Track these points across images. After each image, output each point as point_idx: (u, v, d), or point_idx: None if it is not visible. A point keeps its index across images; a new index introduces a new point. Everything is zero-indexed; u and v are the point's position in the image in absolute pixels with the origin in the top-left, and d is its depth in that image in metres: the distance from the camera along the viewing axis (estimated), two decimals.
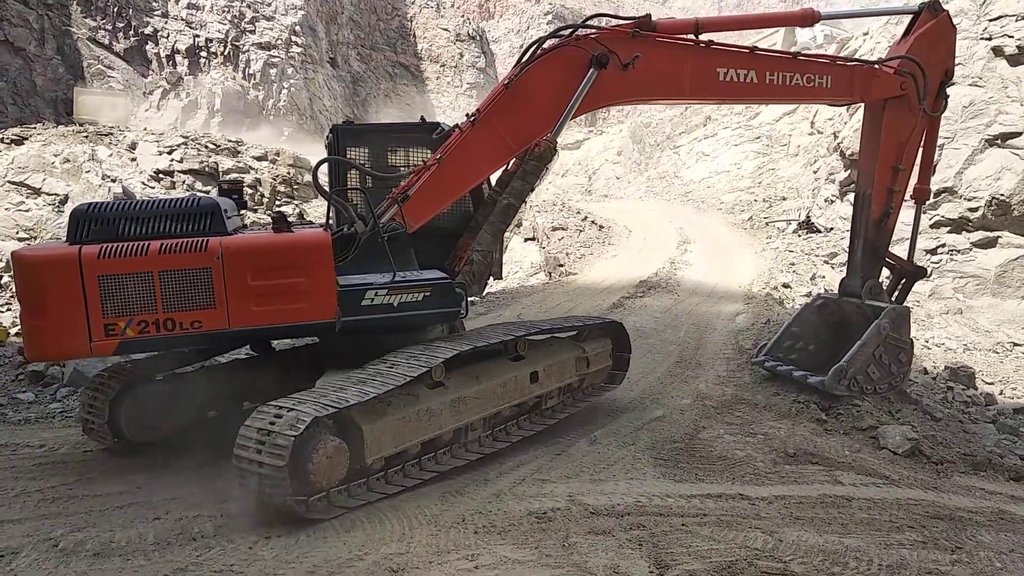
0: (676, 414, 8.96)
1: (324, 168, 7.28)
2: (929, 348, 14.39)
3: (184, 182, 23.21)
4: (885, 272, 9.77)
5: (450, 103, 46.13)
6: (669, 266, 17.92)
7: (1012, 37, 19.85)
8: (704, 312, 13.73)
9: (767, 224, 22.60)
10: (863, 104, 9.07)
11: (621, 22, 7.66)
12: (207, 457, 6.73)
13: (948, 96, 9.04)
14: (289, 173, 24.64)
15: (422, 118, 8.21)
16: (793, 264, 18.05)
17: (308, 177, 25.20)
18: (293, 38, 37.03)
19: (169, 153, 23.78)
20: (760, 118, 31.38)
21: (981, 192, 18.10)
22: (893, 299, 9.48)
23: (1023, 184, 17.75)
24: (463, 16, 50.99)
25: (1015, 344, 14.94)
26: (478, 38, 48.67)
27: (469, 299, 7.51)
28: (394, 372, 6.29)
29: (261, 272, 6.16)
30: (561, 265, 18.59)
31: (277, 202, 23.96)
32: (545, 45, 7.43)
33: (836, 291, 9.85)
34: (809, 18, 8.48)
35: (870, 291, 9.28)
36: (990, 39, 20.29)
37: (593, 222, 21.52)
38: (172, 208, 6.22)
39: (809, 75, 8.26)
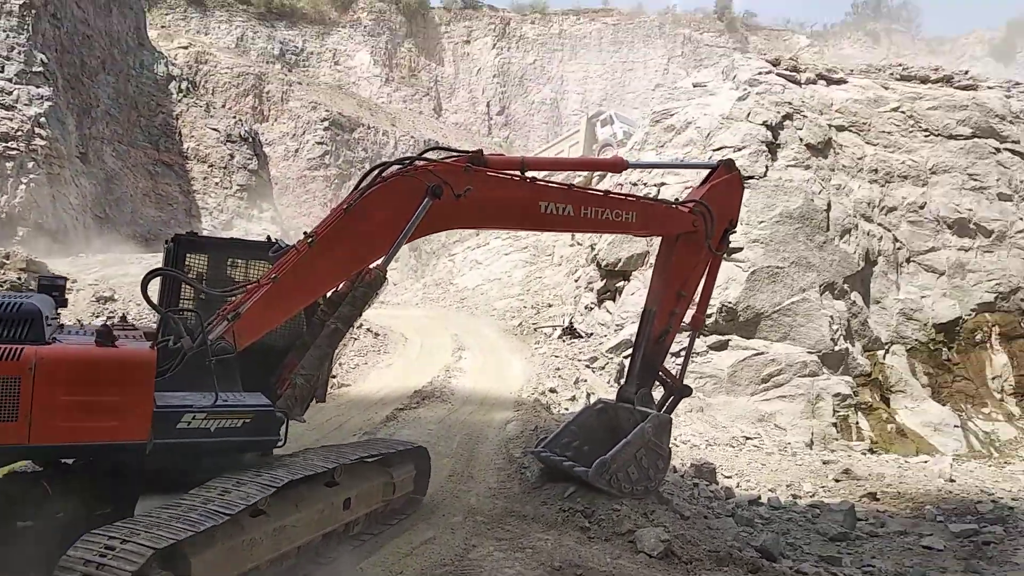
0: (447, 534, 8.80)
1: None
2: (677, 446, 15.64)
3: None
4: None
5: (217, 204, 44.16)
6: (444, 374, 18.07)
7: None
8: (476, 421, 13.90)
9: (535, 330, 23.77)
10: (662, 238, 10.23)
11: (454, 156, 8.26)
12: None
13: (731, 242, 10.36)
14: (20, 279, 21.80)
15: (268, 238, 8.32)
16: (559, 369, 19.01)
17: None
18: (37, 130, 33.68)
19: None
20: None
21: (713, 300, 20.50)
22: (661, 411, 10.26)
23: (747, 293, 20.42)
24: (235, 117, 49.78)
25: (747, 438, 16.73)
26: (251, 140, 47.56)
27: (297, 419, 7.51)
28: (226, 501, 6.04)
29: (75, 386, 5.91)
30: (333, 376, 18.02)
31: None
32: (384, 173, 7.73)
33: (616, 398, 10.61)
34: (619, 165, 9.86)
35: (641, 398, 10.03)
36: None
37: (368, 329, 21.28)
38: None
39: (618, 211, 9.18)
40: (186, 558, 5.56)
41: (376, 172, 7.93)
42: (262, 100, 56.62)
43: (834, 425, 17.81)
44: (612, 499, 9.63)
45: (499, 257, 31.48)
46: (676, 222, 9.74)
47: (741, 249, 21.26)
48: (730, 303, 20.15)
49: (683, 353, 10.85)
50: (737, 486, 13.47)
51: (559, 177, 20.44)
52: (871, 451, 17.21)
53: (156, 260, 29.66)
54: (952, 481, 15.00)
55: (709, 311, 20.41)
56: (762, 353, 19.20)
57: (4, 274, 21.54)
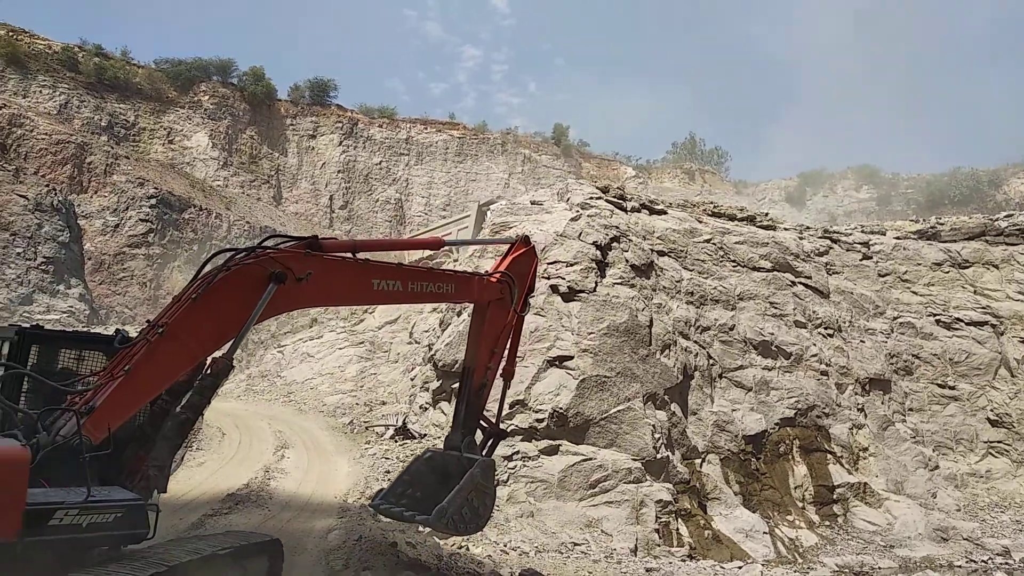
0: None
1: None
2: (507, 553, 15.37)
3: None
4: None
5: (17, 276, 39.74)
6: (263, 475, 16.81)
7: (564, 279, 24.34)
8: (296, 530, 12.93)
9: (367, 428, 22.94)
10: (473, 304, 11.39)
11: (292, 242, 8.73)
12: None
13: (531, 304, 11.90)
14: None
15: (116, 330, 8.26)
16: (388, 472, 18.32)
17: None
18: None
19: None
20: (365, 324, 32.84)
21: (545, 405, 20.88)
22: (483, 453, 11.19)
23: (576, 399, 20.98)
24: (49, 185, 45.83)
25: (575, 544, 16.76)
26: (64, 210, 43.79)
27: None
28: None
29: None
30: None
31: None
32: (230, 262, 8.03)
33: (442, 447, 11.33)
34: (438, 244, 11.55)
35: (467, 445, 10.98)
36: (549, 278, 24.60)
37: None
38: None
39: (439, 283, 10.26)
40: None
41: (223, 260, 8.21)
42: (83, 171, 52.68)
43: (656, 531, 18.30)
44: None
45: (333, 351, 30.47)
46: (487, 291, 10.96)
47: (572, 358, 22.01)
48: (561, 408, 20.60)
49: (498, 400, 12.14)
50: None
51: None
52: (691, 557, 17.78)
53: None
54: None
55: (541, 416, 20.90)
56: (590, 459, 19.60)
57: None
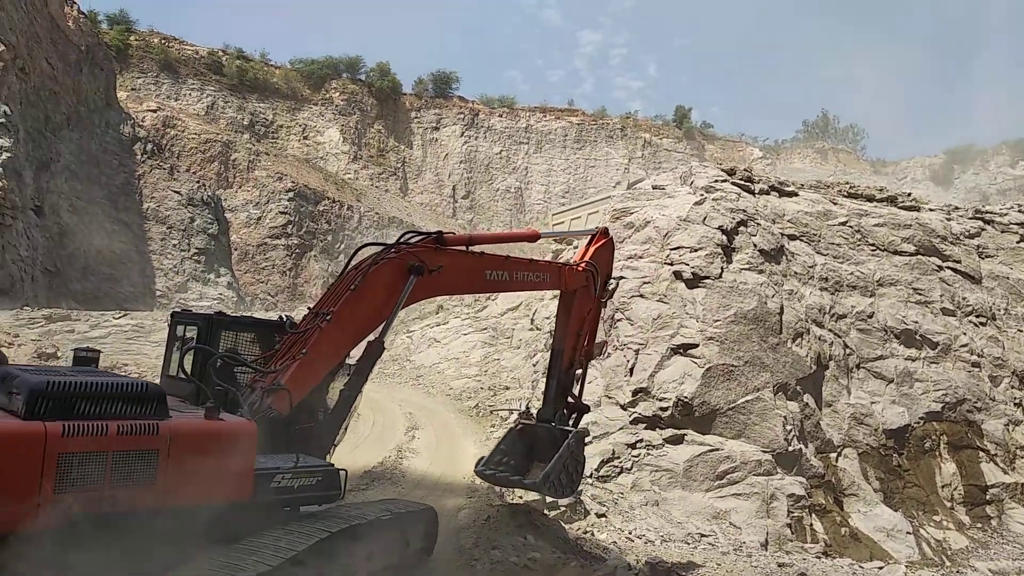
0: None
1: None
2: (632, 540, 15.31)
3: None
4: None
5: (173, 266, 43.30)
6: (396, 455, 17.55)
7: (688, 264, 23.82)
8: None
9: (491, 412, 23.42)
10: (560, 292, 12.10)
11: (422, 238, 9.66)
12: None
13: (610, 290, 12.77)
14: None
15: (281, 317, 9.69)
16: None
17: None
18: None
19: None
20: (487, 311, 33.48)
21: (669, 393, 20.59)
22: (572, 426, 12.06)
23: (702, 388, 20.55)
24: (199, 181, 49.56)
25: (702, 535, 16.47)
26: (213, 205, 47.24)
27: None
28: (273, 552, 7.00)
29: (199, 454, 6.83)
30: None
31: None
32: (379, 256, 9.10)
33: (534, 419, 12.20)
34: (534, 236, 12.09)
35: (560, 419, 11.89)
36: (672, 264, 24.15)
37: None
38: (123, 391, 6.69)
39: (537, 273, 11.15)
40: None
41: (369, 253, 9.29)
42: (228, 167, 56.60)
43: (788, 526, 17.67)
44: None
45: (458, 336, 31.28)
46: (575, 279, 11.74)
47: (697, 346, 21.55)
48: (686, 397, 20.24)
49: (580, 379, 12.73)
50: None
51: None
52: (825, 554, 17.06)
53: (105, 318, 28.74)
54: None
55: (665, 404, 20.63)
56: (717, 449, 19.16)
57: None
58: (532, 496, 16.30)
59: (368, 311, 8.88)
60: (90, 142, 43.42)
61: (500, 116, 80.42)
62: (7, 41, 36.89)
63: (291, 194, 57.31)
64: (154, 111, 55.72)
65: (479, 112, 79.98)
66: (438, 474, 16.15)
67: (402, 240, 9.59)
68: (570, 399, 12.25)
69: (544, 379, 12.44)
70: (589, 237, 12.71)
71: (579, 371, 12.34)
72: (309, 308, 9.10)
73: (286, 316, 9.53)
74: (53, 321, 27.19)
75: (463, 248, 10.12)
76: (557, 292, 12.13)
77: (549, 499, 15.87)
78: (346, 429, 9.46)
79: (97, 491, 6.29)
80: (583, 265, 11.95)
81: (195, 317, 9.60)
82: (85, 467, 6.25)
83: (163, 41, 66.65)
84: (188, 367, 9.15)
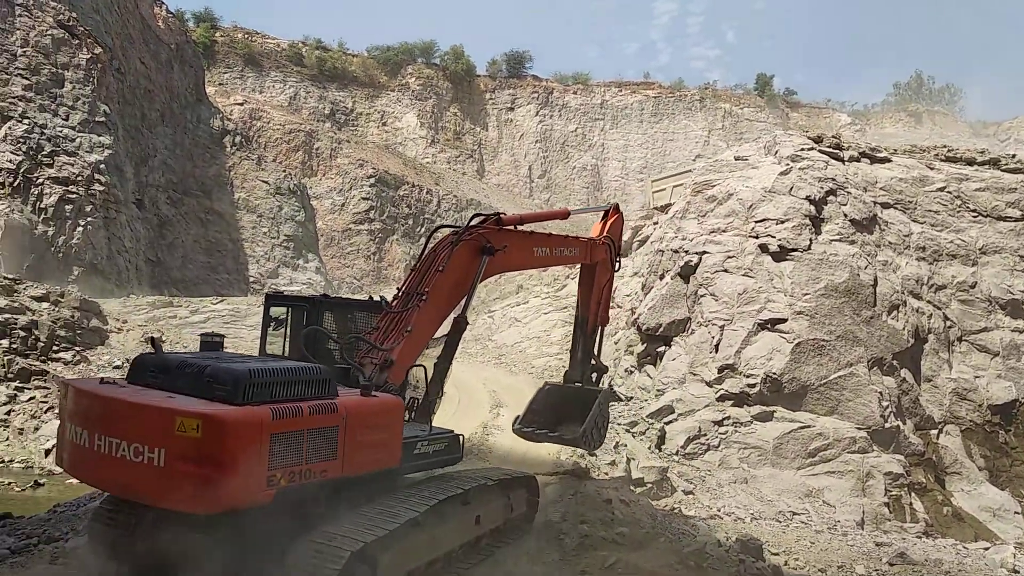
0: None
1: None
2: (721, 518, 15.14)
3: None
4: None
5: (264, 253, 45.06)
6: (482, 431, 17.85)
7: (774, 237, 23.14)
8: None
9: None
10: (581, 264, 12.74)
11: (486, 219, 10.33)
12: None
13: (620, 261, 13.31)
14: (73, 316, 22.28)
15: (370, 296, 10.34)
16: None
17: (95, 321, 22.93)
18: (96, 176, 35.02)
19: None
20: (567, 290, 33.47)
21: (757, 370, 20.14)
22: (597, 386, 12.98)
23: (792, 364, 20.02)
24: (285, 171, 51.28)
25: (794, 513, 16.13)
26: (299, 193, 48.83)
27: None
28: (393, 515, 7.66)
29: (367, 429, 7.57)
30: None
31: (55, 348, 21.41)
32: (456, 238, 9.67)
33: (560, 381, 13.10)
34: (565, 214, 13.18)
35: (587, 380, 12.78)
36: (757, 237, 23.51)
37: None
38: (308, 375, 7.34)
39: (572, 248, 11.98)
40: (374, 557, 7.20)
41: (446, 236, 9.90)
42: (311, 156, 58.32)
43: (886, 505, 17.09)
44: (655, 573, 9.45)
45: (538, 315, 31.43)
46: (598, 253, 12.50)
47: (785, 321, 20.96)
48: (774, 373, 19.77)
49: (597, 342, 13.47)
50: (785, 564, 12.89)
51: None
52: (926, 534, 16.43)
53: (203, 304, 30.25)
54: (1016, 572, 14.21)
55: (752, 381, 20.20)
56: (809, 426, 18.66)
57: (58, 311, 22.10)
58: (618, 472, 16.34)
59: (453, 289, 9.54)
60: (183, 137, 45.51)
61: (575, 93, 79.70)
62: (104, 43, 38.96)
63: (372, 180, 58.61)
64: (240, 104, 57.89)
65: (553, 90, 79.47)
66: (523, 450, 16.31)
67: (471, 222, 10.22)
68: (592, 361, 13.06)
69: (576, 348, 13.07)
70: (602, 213, 13.47)
71: (596, 336, 13.17)
72: (398, 289, 9.62)
73: (380, 296, 10.01)
74: (157, 307, 28.84)
75: (513, 228, 10.83)
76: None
77: (634, 475, 15.87)
78: (440, 398, 10.00)
79: (298, 467, 6.90)
80: (603, 239, 12.74)
81: (299, 300, 10.18)
82: (289, 445, 6.83)
83: (246, 36, 68.92)
84: (283, 348, 9.63)
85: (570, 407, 12.26)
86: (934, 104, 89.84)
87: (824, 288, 21.62)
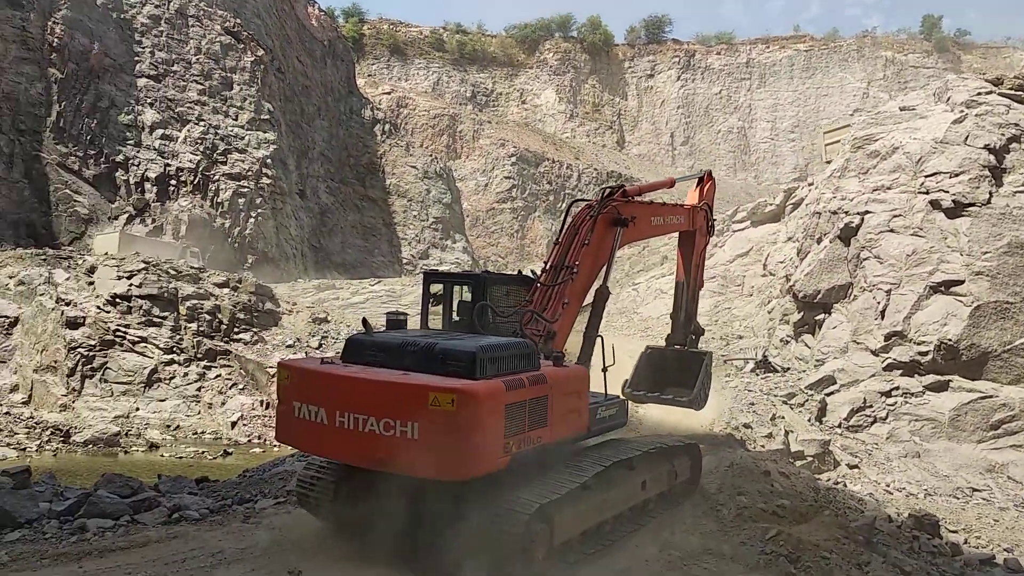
0: (641, 567, 8.59)
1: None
2: (891, 493, 14.29)
3: (141, 307, 22.79)
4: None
5: (415, 235, 47.05)
6: (631, 405, 17.80)
7: (947, 192, 21.25)
8: None
9: (725, 362, 22.83)
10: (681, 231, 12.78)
11: (612, 193, 10.54)
12: None
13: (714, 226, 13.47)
14: (250, 300, 24.43)
15: (519, 271, 10.73)
16: (752, 404, 18.10)
17: (269, 305, 25.00)
18: (264, 170, 37.96)
19: (128, 278, 23.47)
20: (714, 259, 32.44)
21: (929, 336, 18.69)
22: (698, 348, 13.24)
23: (970, 329, 18.42)
24: (431, 155, 53.12)
25: (975, 490, 14.94)
26: (445, 176, 50.45)
27: None
28: (563, 480, 7.99)
29: (567, 396, 8.13)
30: None
31: (236, 330, 23.59)
32: (594, 212, 10.01)
33: (663, 344, 13.24)
34: (672, 183, 12.99)
35: (691, 343, 13.10)
36: (927, 193, 21.69)
37: None
38: (521, 348, 7.93)
39: (679, 216, 12.18)
40: (551, 516, 7.60)
41: (582, 210, 10.20)
42: (455, 139, 60.00)
43: None
44: (818, 546, 9.07)
45: None
46: (699, 218, 12.63)
47: (962, 283, 19.25)
48: (950, 340, 18.27)
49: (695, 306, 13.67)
50: (965, 542, 12.00)
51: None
52: None
53: (362, 286, 32.15)
54: None
55: (924, 348, 18.80)
56: (991, 396, 17.13)
57: (237, 296, 24.30)
58: (775, 444, 15.82)
59: (594, 261, 9.93)
60: (338, 128, 48.23)
61: (718, 54, 76.46)
62: (266, 46, 41.95)
63: (513, 159, 59.42)
64: (388, 93, 60.44)
65: (695, 53, 76.66)
66: (673, 422, 16.13)
67: (603, 196, 10.51)
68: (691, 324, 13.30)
69: (679, 313, 13.15)
70: (696, 180, 13.45)
71: (696, 300, 13.43)
72: (544, 263, 9.95)
73: (531, 271, 10.29)
74: (321, 290, 30.98)
75: (633, 199, 11.10)
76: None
77: (793, 448, 15.31)
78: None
79: (523, 434, 7.44)
80: (701, 205, 12.87)
81: (461, 276, 10.96)
82: (517, 414, 7.36)
83: (391, 26, 71.65)
84: (444, 322, 10.19)
85: (673, 369, 12.67)
86: None
87: (1007, 245, 19.67)
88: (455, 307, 10.11)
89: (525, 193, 59.11)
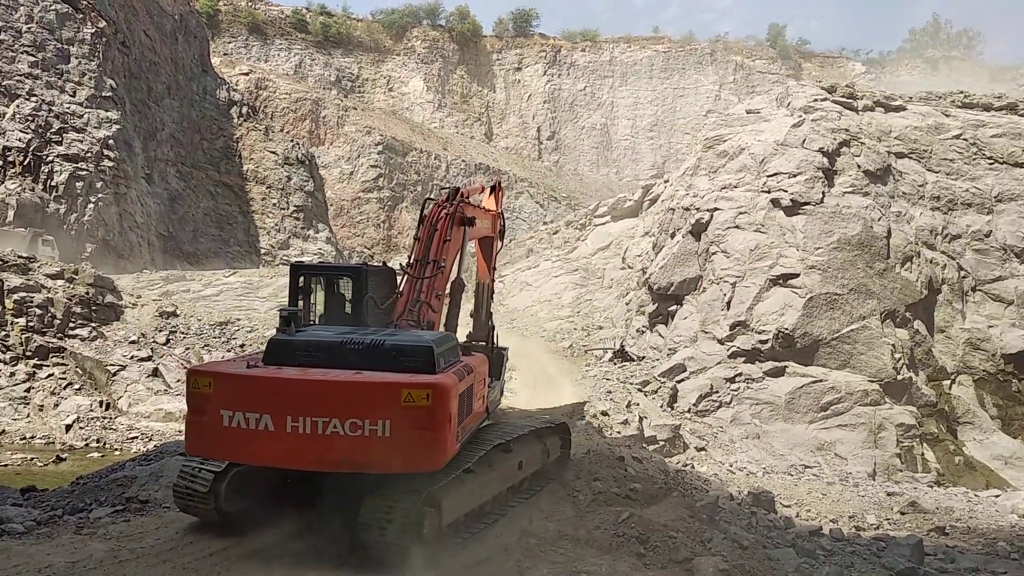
0: (500, 555, 8.70)
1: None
2: (733, 472, 15.28)
3: None
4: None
5: (275, 224, 45.18)
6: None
7: (786, 191, 22.91)
8: None
9: (586, 352, 23.58)
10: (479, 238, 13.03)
11: (452, 194, 10.95)
12: None
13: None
14: (88, 293, 22.55)
15: (384, 263, 11.26)
16: (610, 392, 18.79)
17: (110, 297, 23.20)
18: (105, 151, 35.11)
19: None
20: (578, 251, 33.41)
21: (769, 326, 20.12)
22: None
23: (804, 319, 19.98)
24: (292, 140, 51.09)
25: (806, 467, 16.25)
26: (307, 162, 48.70)
27: None
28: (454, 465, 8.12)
29: (480, 384, 9.26)
30: None
31: (71, 325, 21.72)
32: (432, 208, 10.58)
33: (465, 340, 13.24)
34: (482, 188, 13.59)
35: (491, 339, 13.25)
36: (769, 192, 23.29)
37: None
38: (453, 342, 8.92)
39: (489, 220, 12.61)
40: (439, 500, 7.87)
41: (432, 209, 10.58)
42: (319, 124, 58.03)
43: (898, 456, 17.19)
44: (667, 526, 9.53)
45: (549, 279, 31.44)
46: (497, 224, 13.18)
47: (797, 276, 20.86)
48: (786, 329, 19.75)
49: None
50: (797, 516, 13.04)
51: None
52: (938, 484, 16.53)
53: (216, 277, 30.46)
54: None
55: (764, 337, 20.20)
56: (821, 381, 18.70)
57: (73, 288, 22.36)
58: (630, 430, 16.49)
59: (451, 255, 10.39)
60: (190, 109, 45.36)
61: (583, 51, 78.47)
62: (108, 17, 38.73)
63: (380, 147, 58.29)
64: (246, 74, 57.51)
65: (561, 48, 78.27)
66: (536, 410, 16.49)
67: (451, 197, 11.02)
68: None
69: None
70: (491, 188, 13.89)
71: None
72: (408, 257, 10.25)
73: (400, 264, 10.53)
74: (170, 282, 29.08)
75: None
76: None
77: (647, 433, 16.00)
78: None
79: (463, 422, 7.94)
80: (499, 212, 13.49)
81: (345, 269, 11.06)
82: (463, 403, 7.82)
83: (250, 3, 68.16)
84: (311, 316, 9.98)
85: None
86: (951, 50, 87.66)
87: (837, 241, 21.47)
88: (327, 300, 9.99)
89: (392, 183, 58.18)
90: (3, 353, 20.06)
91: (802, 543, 11.29)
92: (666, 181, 32.03)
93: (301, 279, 10.04)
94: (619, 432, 15.79)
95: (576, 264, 32.01)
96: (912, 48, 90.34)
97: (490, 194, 13.65)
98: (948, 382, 20.58)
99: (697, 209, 24.17)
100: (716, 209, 23.64)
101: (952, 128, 26.26)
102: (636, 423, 16.86)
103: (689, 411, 18.76)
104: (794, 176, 23.22)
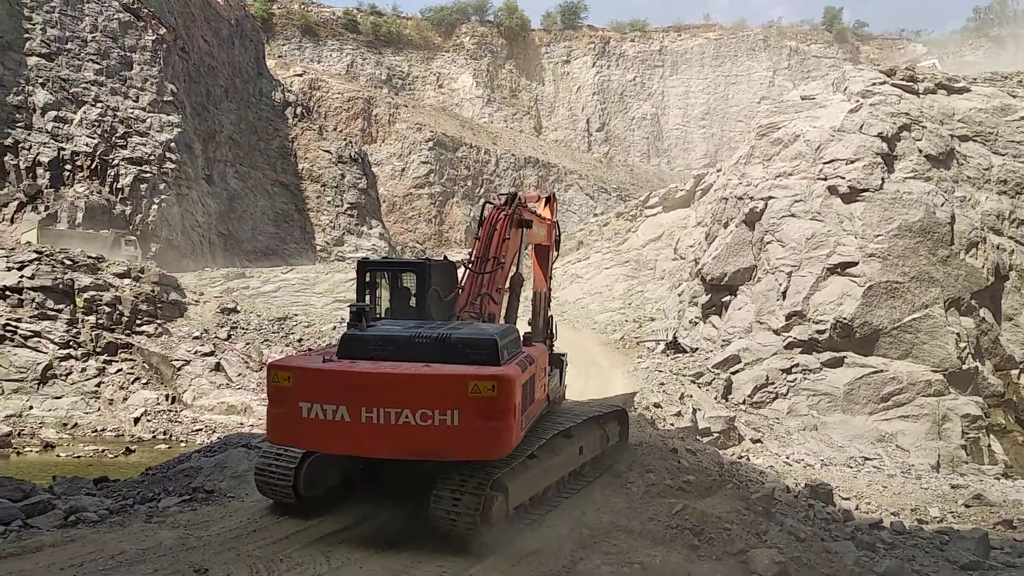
0: (553, 546, 8.74)
1: None
2: (790, 464, 15.03)
3: (33, 300, 21.51)
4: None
5: (329, 221, 46.05)
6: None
7: (843, 178, 22.34)
8: None
9: (638, 344, 23.45)
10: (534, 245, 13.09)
11: (509, 199, 11.09)
12: None
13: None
14: (153, 291, 23.41)
15: (444, 257, 11.47)
16: (663, 384, 18.65)
17: (174, 295, 24.04)
18: (167, 154, 36.35)
19: (19, 269, 22.09)
20: (628, 243, 33.19)
21: (826, 316, 19.68)
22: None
23: (863, 308, 19.48)
24: (345, 139, 51.98)
25: (866, 459, 15.88)
26: (360, 160, 49.49)
27: None
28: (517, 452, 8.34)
29: (542, 374, 9.47)
30: None
31: (138, 322, 22.58)
32: (492, 210, 10.81)
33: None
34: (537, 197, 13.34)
35: (550, 345, 13.39)
36: (825, 179, 22.75)
37: None
38: (515, 333, 9.00)
39: (546, 229, 12.41)
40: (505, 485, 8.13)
41: (492, 210, 10.83)
42: (371, 123, 58.89)
43: (963, 448, 16.65)
44: (721, 518, 9.44)
45: (599, 271, 31.34)
46: (553, 233, 13.02)
47: (856, 264, 20.35)
48: (845, 319, 19.29)
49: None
50: (856, 508, 12.76)
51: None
52: (1006, 476, 15.96)
53: (274, 274, 31.28)
54: None
55: (822, 327, 19.78)
56: (881, 371, 18.22)
57: (139, 286, 23.25)
58: (683, 423, 16.36)
59: (510, 252, 10.66)
60: (247, 111, 46.56)
61: (632, 41, 77.65)
62: (168, 24, 40.01)
63: (430, 143, 58.84)
64: (300, 75, 58.70)
65: (610, 39, 77.61)
66: (591, 398, 16.48)
67: (510, 201, 11.16)
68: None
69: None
70: (545, 199, 13.82)
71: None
72: (469, 254, 10.53)
73: (461, 260, 10.91)
74: (231, 279, 29.98)
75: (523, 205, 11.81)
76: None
77: (700, 425, 15.87)
78: None
79: (526, 411, 8.27)
80: (554, 221, 13.40)
81: (409, 264, 11.30)
82: (526, 393, 8.16)
83: (303, 6, 69.47)
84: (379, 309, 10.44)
85: None
86: (1019, 27, 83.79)
87: (897, 228, 20.88)
88: (392, 295, 10.44)
89: (443, 178, 58.69)
90: (75, 349, 21.00)
91: (862, 536, 11.08)
92: (719, 170, 31.55)
93: (368, 275, 10.45)
94: (672, 424, 15.68)
95: (627, 256, 31.82)
96: (977, 27, 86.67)
97: (545, 204, 13.75)
98: (1016, 371, 19.82)
99: (751, 198, 23.76)
100: (771, 197, 23.21)
101: (1019, 109, 25.21)
102: (689, 415, 16.72)
103: (744, 402, 18.52)
104: (852, 162, 22.63)
